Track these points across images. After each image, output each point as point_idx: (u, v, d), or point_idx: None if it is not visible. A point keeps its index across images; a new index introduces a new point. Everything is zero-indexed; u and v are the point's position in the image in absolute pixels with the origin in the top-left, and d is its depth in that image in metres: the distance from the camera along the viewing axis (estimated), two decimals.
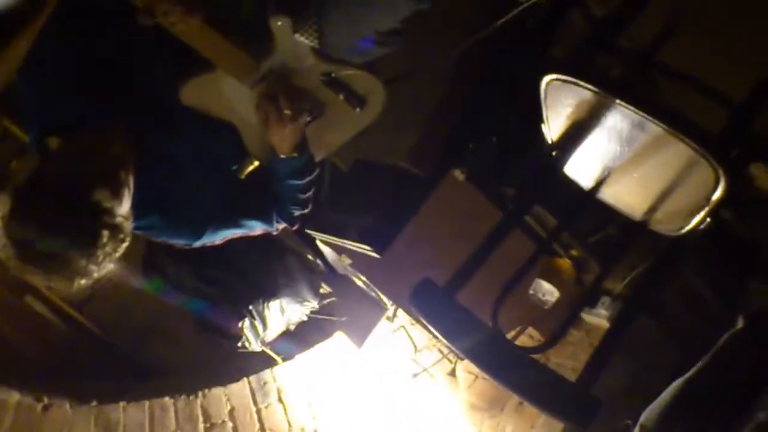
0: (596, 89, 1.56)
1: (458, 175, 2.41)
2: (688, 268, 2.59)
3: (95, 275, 1.50)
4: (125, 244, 1.54)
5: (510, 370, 1.59)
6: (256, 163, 1.97)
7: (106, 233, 1.47)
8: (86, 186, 1.48)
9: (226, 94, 1.79)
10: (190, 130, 1.82)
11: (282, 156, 1.86)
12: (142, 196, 1.73)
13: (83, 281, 1.49)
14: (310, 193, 2.01)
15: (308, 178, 1.95)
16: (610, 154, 1.81)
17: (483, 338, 1.65)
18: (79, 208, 1.46)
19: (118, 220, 1.50)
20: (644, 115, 1.58)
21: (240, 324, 3.32)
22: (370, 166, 2.55)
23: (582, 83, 1.59)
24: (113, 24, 1.70)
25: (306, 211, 2.06)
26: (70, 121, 1.65)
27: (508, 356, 1.64)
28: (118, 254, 1.52)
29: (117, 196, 1.52)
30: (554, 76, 1.62)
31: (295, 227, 2.10)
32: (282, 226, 2.05)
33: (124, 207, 1.55)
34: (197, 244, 1.92)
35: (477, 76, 2.31)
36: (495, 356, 1.63)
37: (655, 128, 1.59)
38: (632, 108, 1.59)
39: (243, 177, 1.99)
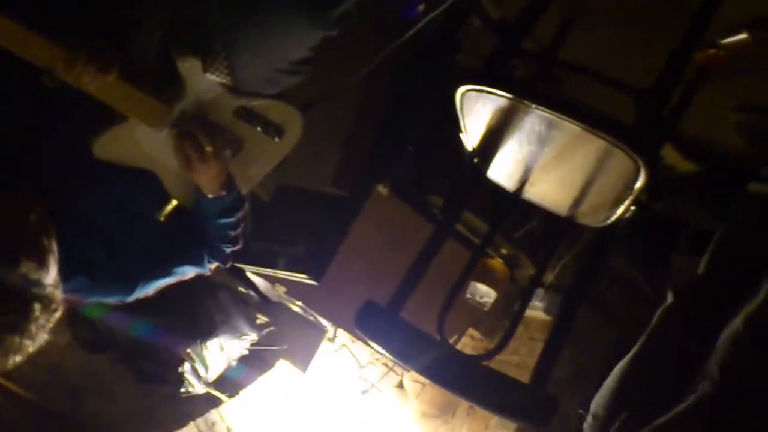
0: (509, 95, 1.58)
1: (382, 189, 2.41)
2: (616, 251, 2.67)
3: (30, 350, 1.44)
4: (58, 314, 1.49)
5: (466, 382, 1.59)
6: (175, 203, 1.93)
7: (37, 306, 1.42)
8: (11, 258, 1.42)
9: (141, 142, 1.74)
10: (106, 185, 1.78)
11: (209, 196, 1.83)
12: (64, 259, 1.67)
13: (18, 358, 1.43)
14: (240, 230, 1.98)
15: (238, 215, 1.92)
16: (530, 154, 1.84)
17: (434, 354, 1.65)
18: (5, 284, 1.40)
19: (48, 290, 1.45)
20: (556, 114, 1.62)
21: (180, 369, 3.24)
22: (294, 192, 2.53)
23: (495, 91, 1.61)
24: (16, 89, 1.64)
25: (237, 247, 2.04)
26: None
27: (461, 368, 1.65)
28: (51, 324, 1.47)
29: (43, 264, 1.47)
30: (467, 86, 1.63)
31: (228, 265, 2.07)
32: (215, 266, 2.01)
33: (52, 274, 1.49)
34: (130, 299, 1.87)
35: (387, 91, 2.32)
36: (449, 370, 1.63)
37: (569, 126, 1.63)
38: (544, 109, 1.63)
39: (164, 219, 1.95)
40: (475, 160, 1.92)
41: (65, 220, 1.68)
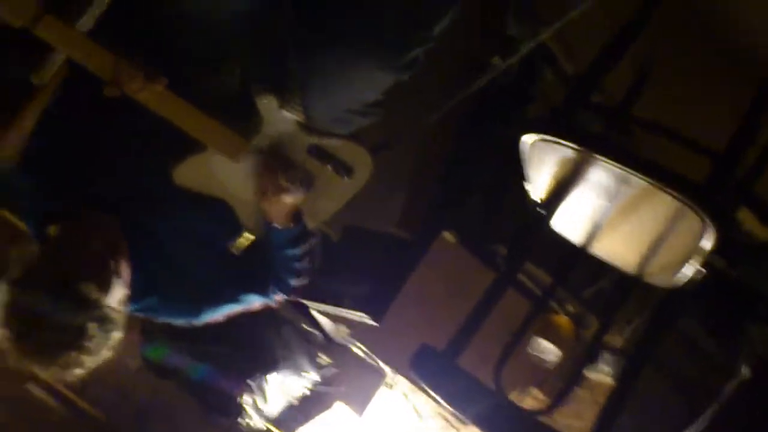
0: (577, 147, 1.59)
1: (449, 237, 2.43)
2: (688, 317, 2.60)
3: (90, 365, 1.53)
4: (117, 332, 1.57)
5: None
6: (251, 237, 1.99)
7: (93, 326, 1.51)
8: (72, 280, 1.51)
9: (218, 173, 1.81)
10: (181, 210, 1.85)
11: (278, 227, 1.88)
12: (137, 279, 1.76)
13: (78, 371, 1.53)
14: (305, 263, 2.03)
15: (304, 247, 1.96)
16: (597, 208, 1.83)
17: (489, 404, 1.64)
18: (65, 303, 1.49)
19: (106, 311, 1.54)
20: (626, 169, 1.62)
21: (240, 399, 3.28)
22: (360, 232, 2.57)
23: (563, 142, 1.61)
24: (100, 114, 1.74)
25: (302, 281, 2.08)
26: (62, 211, 1.69)
27: (516, 421, 1.63)
28: (111, 342, 1.55)
29: (103, 287, 1.55)
30: (535, 136, 1.65)
31: (292, 297, 2.11)
32: (280, 297, 2.06)
33: (114, 296, 1.58)
34: (198, 322, 1.94)
35: (457, 136, 2.36)
36: (503, 422, 1.61)
37: (638, 181, 1.62)
38: (613, 163, 1.63)
39: (239, 251, 2.02)
40: (540, 210, 1.93)
41: (140, 241, 1.78)
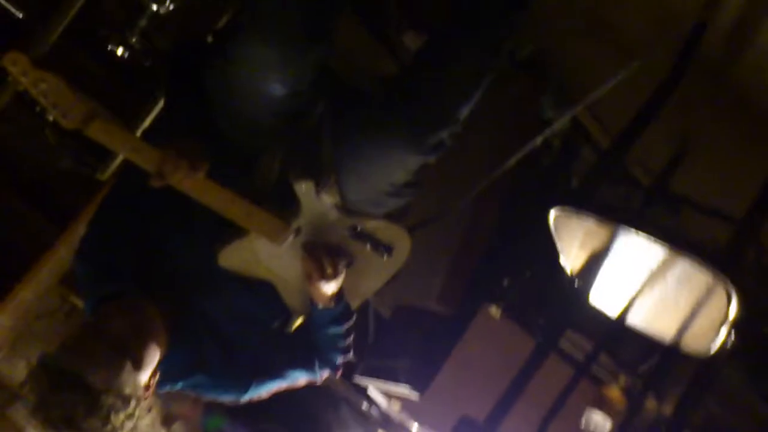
0: (599, 218, 1.65)
1: (494, 312, 2.48)
2: (739, 382, 2.57)
3: None
4: (136, 408, 1.67)
5: None
6: (300, 321, 2.09)
7: (82, 409, 1.60)
8: (78, 365, 1.62)
9: (261, 255, 1.91)
10: (228, 291, 1.94)
11: (321, 306, 1.97)
12: (184, 357, 1.88)
13: None
14: (350, 340, 2.10)
15: (347, 325, 2.04)
16: (630, 280, 1.87)
17: None
18: (63, 384, 1.61)
19: (103, 398, 1.62)
20: (654, 240, 1.66)
21: None
22: (404, 308, 2.64)
23: (586, 214, 1.67)
24: (151, 201, 1.88)
25: (348, 357, 2.15)
26: (114, 294, 1.82)
27: None
28: (135, 418, 1.66)
29: (112, 377, 1.65)
30: (559, 209, 1.71)
31: (338, 374, 2.18)
32: (326, 374, 2.13)
33: (124, 381, 1.66)
34: (244, 399, 2.00)
35: (500, 214, 2.43)
36: None
37: (666, 252, 1.66)
38: (641, 234, 1.68)
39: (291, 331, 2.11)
40: (577, 283, 1.97)
41: (190, 320, 1.88)
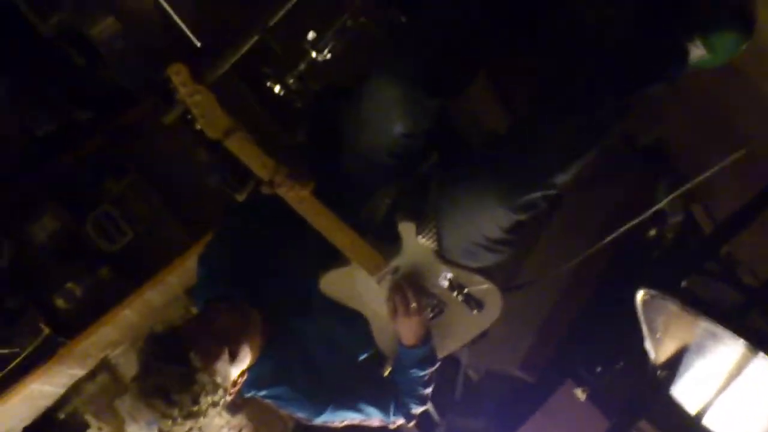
0: (684, 307, 1.65)
1: (579, 394, 2.47)
2: None
3: (200, 419, 1.80)
4: (206, 400, 1.80)
5: None
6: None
7: (178, 381, 1.76)
8: (185, 345, 1.79)
9: (358, 287, 2.04)
10: (323, 315, 2.07)
11: (405, 345, 2.06)
12: (273, 369, 2.03)
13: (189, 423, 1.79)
14: (429, 390, 2.16)
15: (429, 370, 2.11)
16: (714, 378, 1.84)
17: None
18: (171, 361, 1.78)
19: (198, 375, 1.77)
20: (740, 338, 1.64)
21: None
22: (492, 372, 2.67)
23: (672, 300, 1.69)
24: (273, 224, 2.07)
25: (423, 407, 2.21)
26: (221, 297, 2.00)
27: None
28: (197, 407, 1.79)
29: (209, 360, 1.81)
30: (647, 292, 1.73)
31: (411, 423, 2.24)
32: (399, 421, 2.19)
33: (219, 372, 1.83)
34: (317, 420, 2.11)
35: (594, 290, 2.44)
36: None
37: (752, 354, 1.64)
38: (727, 330, 1.66)
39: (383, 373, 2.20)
40: (659, 372, 1.96)
41: (283, 335, 2.03)
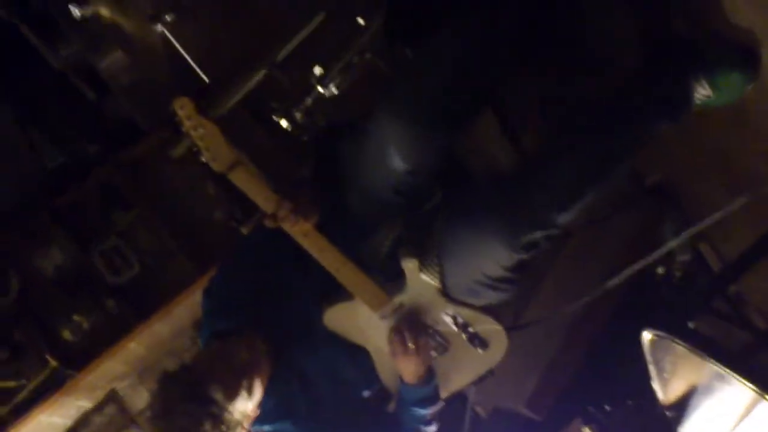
0: (691, 348, 1.63)
1: None
2: None
3: None
4: None
5: None
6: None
7: (209, 422, 1.75)
8: (204, 380, 1.79)
9: (361, 322, 2.02)
10: (327, 350, 2.06)
11: (407, 383, 2.04)
12: (276, 403, 2.00)
13: None
14: (433, 428, 2.14)
15: (432, 409, 2.08)
16: (724, 421, 1.81)
17: None
18: (191, 396, 1.77)
19: (224, 414, 1.77)
20: (745, 382, 1.62)
21: None
22: (500, 410, 2.65)
23: (679, 342, 1.67)
24: (277, 257, 2.06)
25: None
26: (226, 330, 1.99)
27: None
28: None
29: (229, 394, 1.80)
30: (653, 332, 1.71)
31: None
32: None
33: (237, 406, 1.82)
34: None
35: (601, 329, 2.42)
36: None
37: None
38: (734, 374, 1.64)
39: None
40: (667, 412, 1.93)
41: (286, 371, 2.01)
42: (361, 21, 2.29)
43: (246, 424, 1.89)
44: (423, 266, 1.92)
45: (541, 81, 2.17)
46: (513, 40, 1.92)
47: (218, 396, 1.77)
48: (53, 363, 3.19)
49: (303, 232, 1.89)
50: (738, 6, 1.78)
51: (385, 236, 2.02)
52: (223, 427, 1.77)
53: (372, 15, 2.27)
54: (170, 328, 3.34)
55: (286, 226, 1.87)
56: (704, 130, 2.03)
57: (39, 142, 3.26)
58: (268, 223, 1.88)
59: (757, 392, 1.60)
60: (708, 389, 1.80)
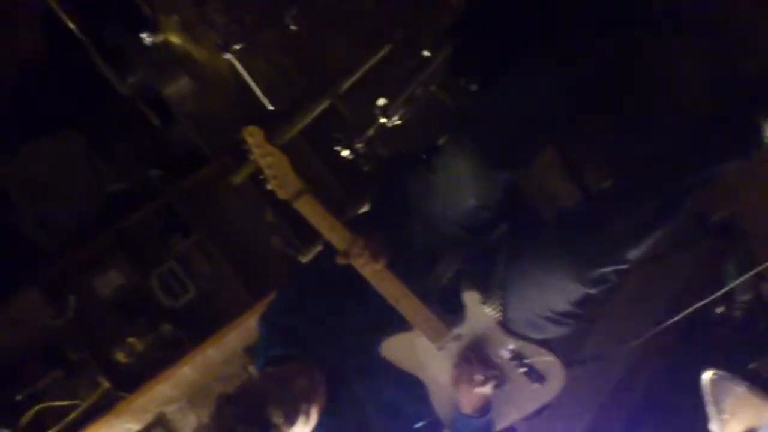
0: (752, 389, 1.61)
1: None
2: None
3: None
4: None
5: None
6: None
7: None
8: (265, 402, 1.80)
9: (419, 353, 2.02)
10: (382, 381, 2.06)
11: (464, 414, 2.03)
12: (329, 428, 1.99)
13: None
14: None
15: None
16: None
17: None
18: (253, 418, 1.78)
19: None
20: None
21: None
22: None
23: (740, 383, 1.64)
24: (338, 285, 2.07)
25: None
26: (281, 357, 2.02)
27: None
28: None
29: (289, 418, 1.81)
30: (714, 372, 1.69)
31: None
32: None
33: (295, 430, 1.83)
34: None
35: (661, 368, 2.38)
36: None
37: None
38: None
39: None
40: None
41: (341, 398, 2.02)
42: (426, 53, 2.32)
43: None
44: (485, 299, 1.93)
45: (609, 122, 2.18)
46: (585, 85, 1.94)
47: (278, 420, 1.78)
48: (105, 384, 3.23)
49: (373, 271, 1.91)
50: None
51: (447, 268, 2.03)
52: None
53: (438, 48, 2.30)
54: (222, 354, 3.36)
55: (358, 265, 1.89)
56: None
57: (102, 166, 3.34)
58: (340, 261, 1.90)
59: None
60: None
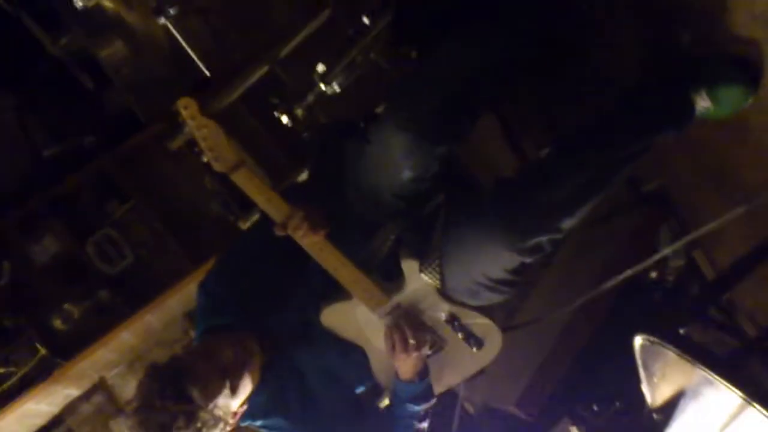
0: (681, 354, 1.67)
1: None
2: None
3: None
4: (215, 430, 1.83)
5: None
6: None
7: (182, 419, 1.76)
8: (182, 376, 1.80)
9: (358, 320, 2.04)
10: (322, 348, 2.08)
11: (402, 379, 2.06)
12: (269, 399, 2.02)
13: None
14: (425, 424, 2.17)
15: (425, 405, 2.11)
16: (710, 426, 1.85)
17: None
18: (168, 393, 1.78)
19: (200, 412, 1.79)
20: (730, 387, 1.66)
21: None
22: (489, 408, 2.68)
23: (669, 347, 1.70)
24: (276, 254, 2.07)
25: None
26: (220, 327, 2.02)
27: None
28: None
29: (208, 393, 1.81)
30: (645, 337, 1.75)
31: None
32: None
33: (218, 404, 1.83)
34: None
35: (593, 332, 2.45)
36: None
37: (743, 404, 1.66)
38: (719, 379, 1.68)
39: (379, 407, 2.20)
40: (655, 415, 1.97)
41: (282, 367, 2.04)
42: (366, 20, 2.30)
43: (231, 421, 1.92)
44: (423, 267, 1.95)
45: (545, 91, 2.20)
46: (521, 52, 1.95)
47: (195, 394, 1.78)
48: (43, 351, 3.19)
49: (311, 241, 1.91)
50: (742, 21, 1.82)
51: (385, 237, 2.04)
52: (199, 424, 1.78)
53: (378, 15, 2.28)
54: (162, 319, 3.35)
55: (297, 237, 1.89)
56: (704, 140, 2.06)
57: (36, 130, 3.25)
58: (278, 232, 1.89)
59: (744, 399, 1.65)
60: (696, 394, 1.85)
